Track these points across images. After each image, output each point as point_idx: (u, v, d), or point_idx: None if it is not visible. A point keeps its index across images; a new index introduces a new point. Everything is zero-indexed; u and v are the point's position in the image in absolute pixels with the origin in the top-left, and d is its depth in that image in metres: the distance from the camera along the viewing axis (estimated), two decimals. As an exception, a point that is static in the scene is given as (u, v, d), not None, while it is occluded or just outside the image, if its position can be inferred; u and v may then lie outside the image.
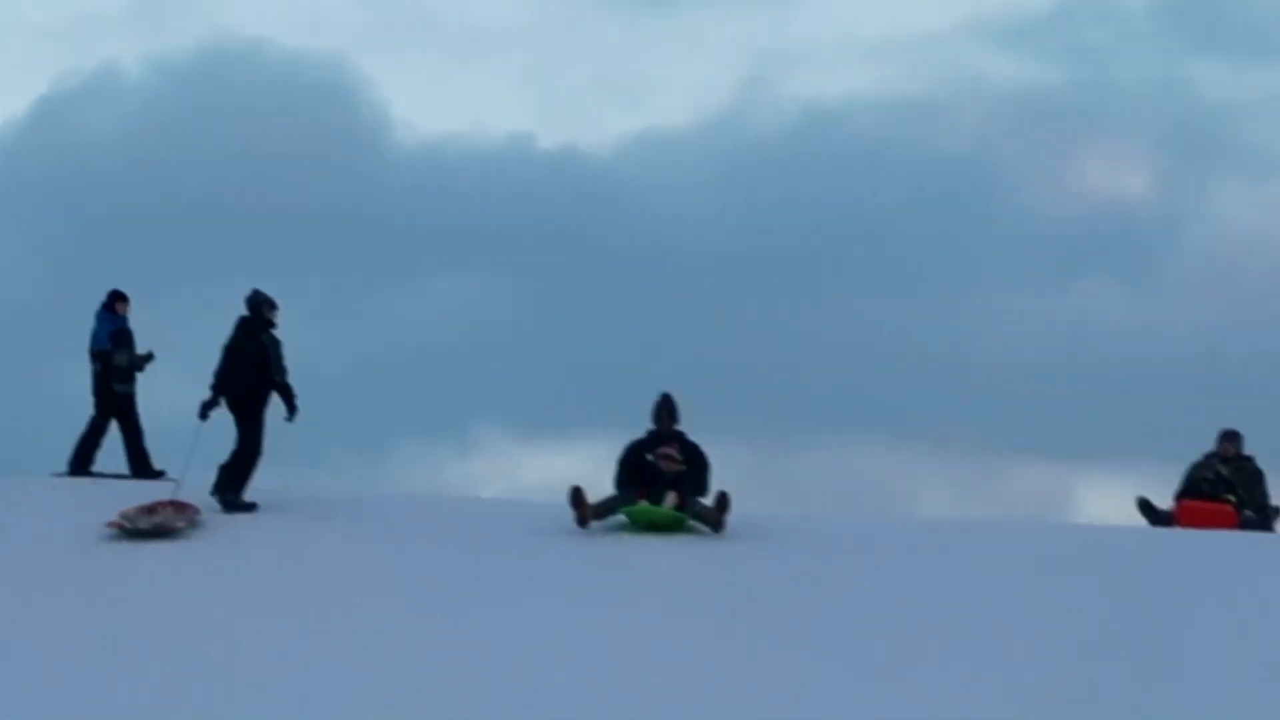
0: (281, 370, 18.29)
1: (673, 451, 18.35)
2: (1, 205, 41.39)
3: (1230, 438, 21.66)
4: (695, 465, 18.46)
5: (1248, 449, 21.89)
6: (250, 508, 18.14)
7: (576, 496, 17.94)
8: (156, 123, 46.59)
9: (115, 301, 21.13)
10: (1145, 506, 21.95)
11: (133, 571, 16.80)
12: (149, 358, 20.86)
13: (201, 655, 14.30)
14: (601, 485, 18.56)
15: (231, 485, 17.95)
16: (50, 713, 13.11)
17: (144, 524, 17.26)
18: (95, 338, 20.83)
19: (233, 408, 18.27)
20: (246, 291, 19.10)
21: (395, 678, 13.77)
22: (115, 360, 20.61)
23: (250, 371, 18.12)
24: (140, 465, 20.46)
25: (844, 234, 45.03)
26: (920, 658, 14.77)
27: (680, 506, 18.26)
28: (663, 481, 18.37)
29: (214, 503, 18.25)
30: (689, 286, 43.84)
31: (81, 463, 20.67)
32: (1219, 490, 21.60)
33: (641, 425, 18.71)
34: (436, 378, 42.57)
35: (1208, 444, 22.06)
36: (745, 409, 38.56)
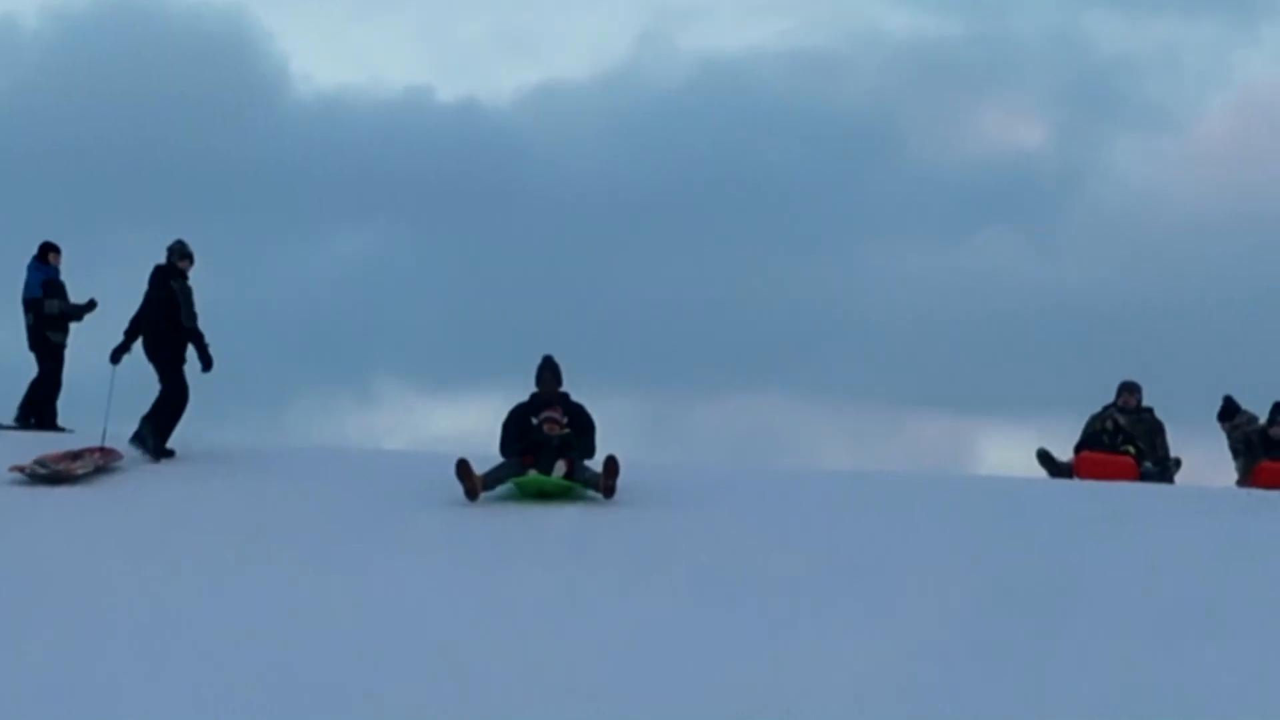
0: (191, 316, 18.75)
1: (556, 415, 18.24)
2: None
3: (1130, 389, 22.09)
4: (581, 428, 18.41)
5: (1147, 401, 22.31)
6: (169, 454, 18.66)
7: (462, 469, 17.66)
8: (54, 74, 46.37)
9: (47, 252, 21.63)
10: (1045, 458, 22.35)
11: (32, 520, 17.07)
12: (90, 306, 21.25)
13: (96, 607, 14.51)
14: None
15: (152, 432, 18.48)
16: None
17: (43, 471, 17.71)
18: (28, 287, 21.21)
19: (149, 355, 18.89)
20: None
21: (294, 631, 13.90)
22: (47, 309, 20.97)
23: (162, 318, 18.64)
24: (46, 416, 21.12)
25: (742, 187, 45.36)
26: (822, 610, 14.94)
27: (569, 475, 18.10)
28: (549, 446, 18.20)
29: (134, 450, 18.78)
30: (588, 239, 44.07)
31: (33, 413, 21.14)
32: (1118, 442, 21.99)
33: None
34: (336, 329, 42.65)
35: (1108, 396, 22.45)
36: (643, 362, 38.84)
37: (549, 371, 18.62)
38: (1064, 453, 22.27)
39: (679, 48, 54.89)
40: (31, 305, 21.29)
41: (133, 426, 19.16)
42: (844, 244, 46.73)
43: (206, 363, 18.58)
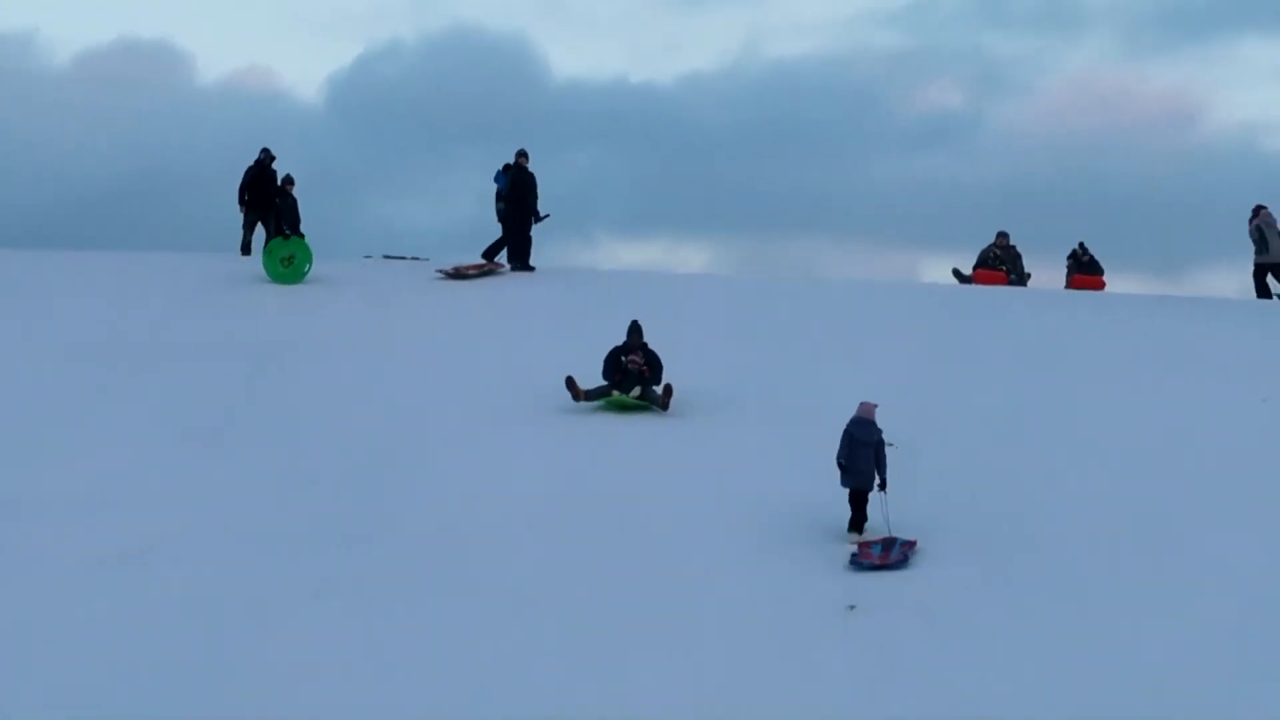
0: (534, 195, 29.61)
1: (638, 357, 23.79)
2: None
3: (1003, 234, 32.37)
4: (653, 366, 23.86)
5: (1016, 241, 32.63)
6: (530, 269, 29.97)
7: (570, 383, 23.66)
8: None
9: (519, 158, 29.84)
10: (957, 273, 32.90)
11: (440, 296, 28.68)
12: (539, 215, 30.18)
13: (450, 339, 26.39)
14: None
15: (519, 260, 29.73)
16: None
17: (450, 270, 29.53)
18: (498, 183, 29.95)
19: (503, 215, 29.93)
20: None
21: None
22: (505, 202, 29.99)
23: (519, 197, 29.62)
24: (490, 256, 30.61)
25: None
26: (746, 422, 23.25)
27: (642, 396, 23.74)
28: (631, 376, 23.76)
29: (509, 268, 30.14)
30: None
31: (488, 255, 30.47)
32: (998, 264, 32.34)
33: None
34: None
35: (990, 238, 32.90)
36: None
37: (635, 331, 24.03)
38: (967, 269, 32.84)
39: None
40: (501, 196, 30.13)
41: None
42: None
43: (538, 218, 29.17)
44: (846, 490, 20.16)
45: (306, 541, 20.17)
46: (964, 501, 21.22)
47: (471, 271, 29.77)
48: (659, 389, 23.33)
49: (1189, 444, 22.90)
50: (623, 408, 23.32)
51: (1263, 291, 30.44)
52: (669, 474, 21.67)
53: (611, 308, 27.18)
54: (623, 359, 23.45)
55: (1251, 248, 30.27)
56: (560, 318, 27.84)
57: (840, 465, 20.21)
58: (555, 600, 18.85)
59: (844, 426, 20.33)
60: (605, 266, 34.50)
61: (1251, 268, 30.46)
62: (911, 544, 19.74)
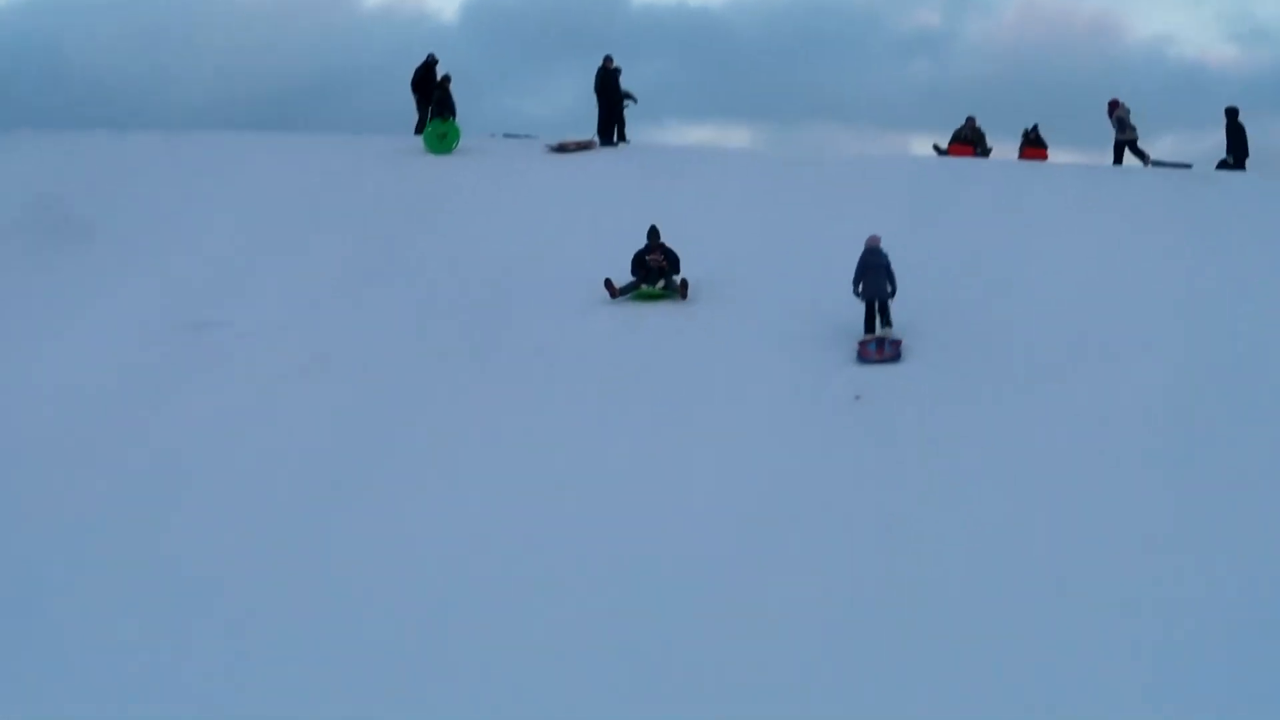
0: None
1: (658, 256, 25.52)
2: None
3: (971, 118, 34.76)
4: (672, 263, 25.60)
5: (980, 123, 34.74)
6: (625, 141, 33.18)
7: (607, 283, 25.37)
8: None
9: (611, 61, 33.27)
10: (936, 148, 35.10)
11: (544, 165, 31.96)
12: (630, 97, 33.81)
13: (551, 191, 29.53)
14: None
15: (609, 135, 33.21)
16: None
17: (555, 144, 33.30)
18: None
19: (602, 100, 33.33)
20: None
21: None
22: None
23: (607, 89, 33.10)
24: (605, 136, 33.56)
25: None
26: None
27: (665, 288, 25.46)
28: (654, 272, 25.54)
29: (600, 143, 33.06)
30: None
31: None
32: (967, 141, 34.72)
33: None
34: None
35: (962, 121, 35.03)
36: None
37: (654, 234, 25.61)
38: (945, 145, 35.05)
39: None
40: (595, 90, 33.62)
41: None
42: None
43: (630, 99, 32.63)
44: (863, 303, 24.09)
45: (439, 357, 24.01)
46: (940, 317, 24.60)
47: (571, 146, 33.59)
48: (678, 279, 25.28)
49: (1112, 273, 26.16)
50: (650, 298, 25.30)
51: (1118, 160, 33.59)
52: (703, 319, 25.32)
53: (674, 173, 31.27)
54: (646, 258, 25.34)
55: (1112, 131, 33.54)
56: (636, 180, 31.13)
57: (855, 287, 24.16)
58: (631, 385, 22.92)
59: (856, 260, 24.17)
60: (672, 143, 38.20)
61: (1113, 144, 33.82)
62: (898, 343, 23.77)
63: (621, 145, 33.84)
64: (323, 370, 23.79)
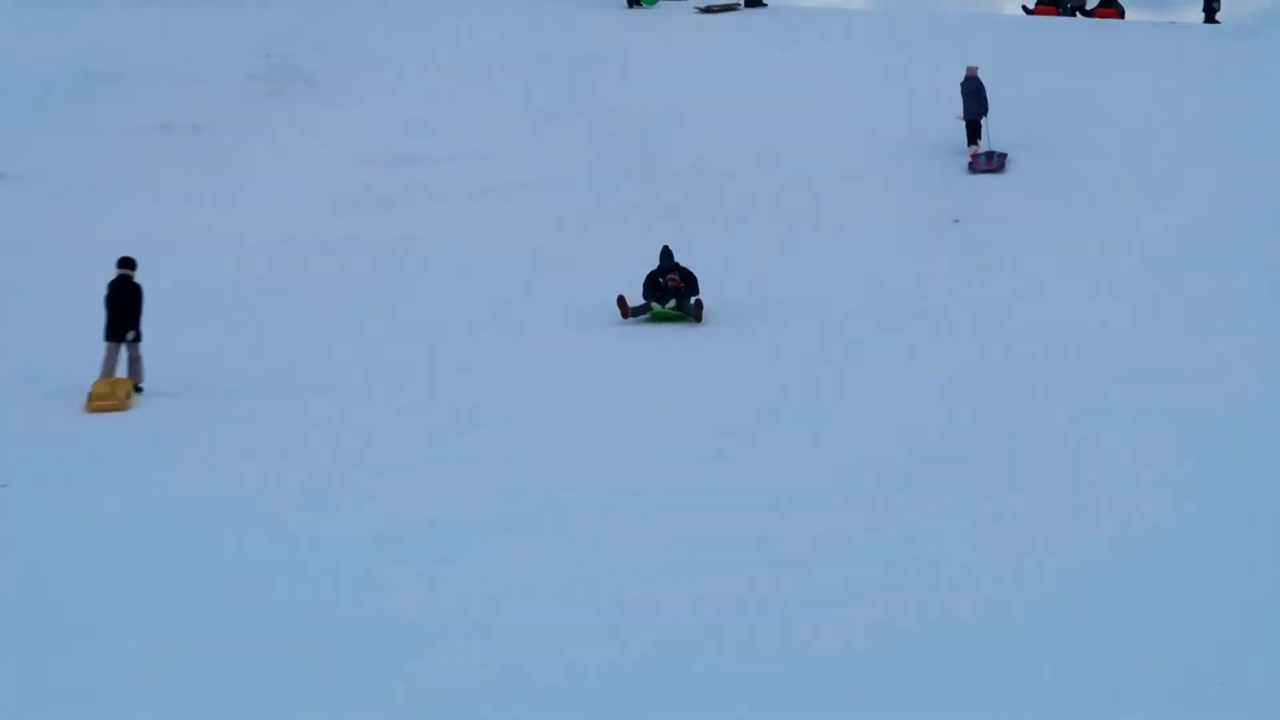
0: None
1: (674, 276, 22.33)
2: None
3: None
4: (689, 284, 22.33)
5: None
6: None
7: (620, 301, 22.10)
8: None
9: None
10: (1024, 8, 37.75)
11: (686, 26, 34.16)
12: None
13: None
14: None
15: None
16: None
17: (704, 5, 36.16)
18: None
19: None
20: None
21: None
22: None
23: None
24: None
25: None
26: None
27: (678, 308, 22.21)
28: (669, 293, 22.28)
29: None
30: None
31: None
32: (1052, 2, 37.14)
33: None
34: None
35: None
36: None
37: (667, 255, 22.36)
38: (1031, 4, 37.69)
39: None
40: None
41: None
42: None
43: None
44: (964, 121, 26.74)
45: (609, 178, 26.89)
46: (1029, 138, 27.39)
47: (716, 8, 36.27)
48: (693, 300, 22.22)
49: (1167, 111, 29.04)
50: (664, 319, 22.23)
51: (1210, 19, 35.83)
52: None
53: (801, 29, 34.08)
54: (660, 279, 22.40)
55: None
56: (773, 35, 34.07)
57: (961, 113, 26.85)
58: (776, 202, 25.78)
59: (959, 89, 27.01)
60: (803, 5, 40.16)
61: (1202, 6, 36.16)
62: (1004, 155, 26.44)
63: (759, 9, 36.48)
64: (509, 191, 26.45)
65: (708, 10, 36.19)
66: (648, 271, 22.38)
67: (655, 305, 22.13)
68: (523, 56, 32.73)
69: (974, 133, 27.27)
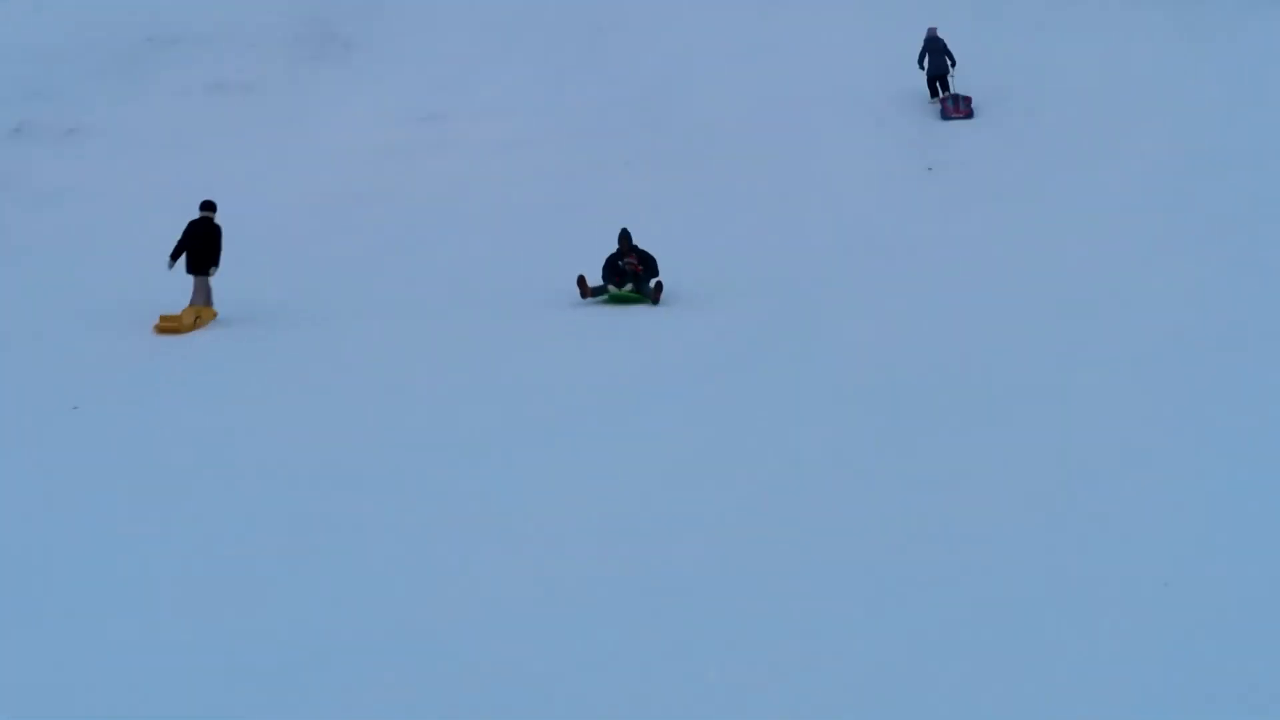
0: None
1: (633, 260, 21.43)
2: None
3: None
4: (647, 267, 21.41)
5: None
6: None
7: (580, 281, 21.07)
8: None
9: None
10: None
11: None
12: None
13: None
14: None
15: None
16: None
17: None
18: None
19: None
20: None
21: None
22: None
23: None
24: None
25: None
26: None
27: (636, 290, 21.24)
28: (627, 275, 21.37)
29: None
30: None
31: None
32: None
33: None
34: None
35: None
36: None
37: (625, 238, 21.58)
38: None
39: None
40: None
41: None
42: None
43: None
44: (926, 76, 27.81)
45: (617, 129, 27.87)
46: (996, 94, 28.22)
47: None
48: (653, 283, 21.51)
49: (1129, 67, 29.71)
50: (621, 300, 21.36)
51: None
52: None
53: None
54: (619, 263, 21.60)
55: None
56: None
57: (919, 62, 27.91)
58: (765, 161, 26.83)
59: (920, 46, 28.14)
60: None
61: None
62: (969, 99, 27.29)
63: None
64: (525, 145, 27.63)
65: None
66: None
67: (612, 288, 21.40)
68: (542, 24, 33.48)
69: (937, 88, 28.41)
